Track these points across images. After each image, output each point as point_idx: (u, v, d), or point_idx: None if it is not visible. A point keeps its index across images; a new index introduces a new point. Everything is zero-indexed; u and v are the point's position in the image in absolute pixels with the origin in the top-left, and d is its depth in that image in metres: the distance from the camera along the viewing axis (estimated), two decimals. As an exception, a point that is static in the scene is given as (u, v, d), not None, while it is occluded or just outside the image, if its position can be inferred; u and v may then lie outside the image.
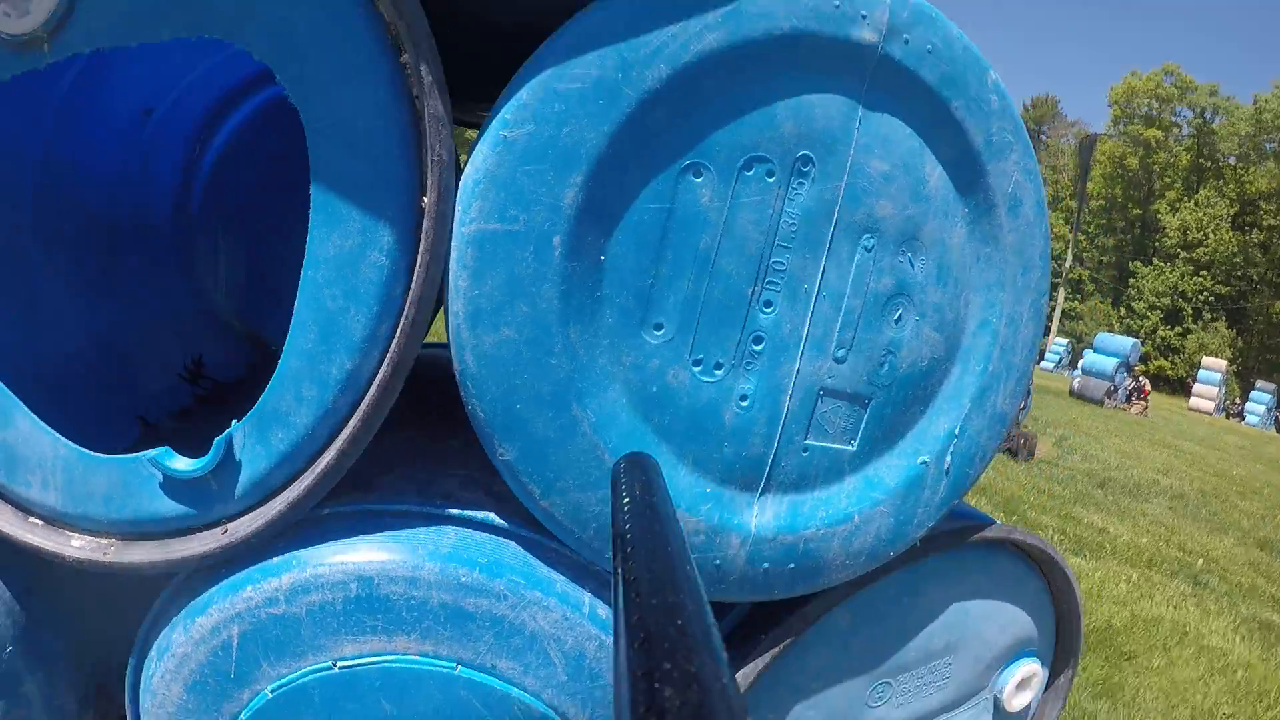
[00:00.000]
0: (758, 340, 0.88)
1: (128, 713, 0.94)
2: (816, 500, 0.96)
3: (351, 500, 0.86)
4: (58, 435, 0.86)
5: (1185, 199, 40.79)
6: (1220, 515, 6.05)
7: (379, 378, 0.79)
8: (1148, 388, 16.43)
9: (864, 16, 0.89)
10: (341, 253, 0.79)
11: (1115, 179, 43.37)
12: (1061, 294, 39.14)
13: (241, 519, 0.84)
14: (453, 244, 0.79)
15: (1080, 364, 17.81)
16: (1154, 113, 42.22)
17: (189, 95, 1.52)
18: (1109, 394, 15.40)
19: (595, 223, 0.80)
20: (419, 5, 0.78)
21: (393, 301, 0.80)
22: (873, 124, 0.91)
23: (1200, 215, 38.89)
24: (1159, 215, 40.91)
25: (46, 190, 1.21)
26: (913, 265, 0.95)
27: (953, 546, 1.09)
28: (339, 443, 0.80)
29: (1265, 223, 38.53)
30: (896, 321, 0.95)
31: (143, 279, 1.47)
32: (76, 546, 0.88)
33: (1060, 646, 1.32)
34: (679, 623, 0.27)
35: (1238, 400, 28.68)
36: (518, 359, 0.79)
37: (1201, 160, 41.66)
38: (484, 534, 0.86)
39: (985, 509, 4.58)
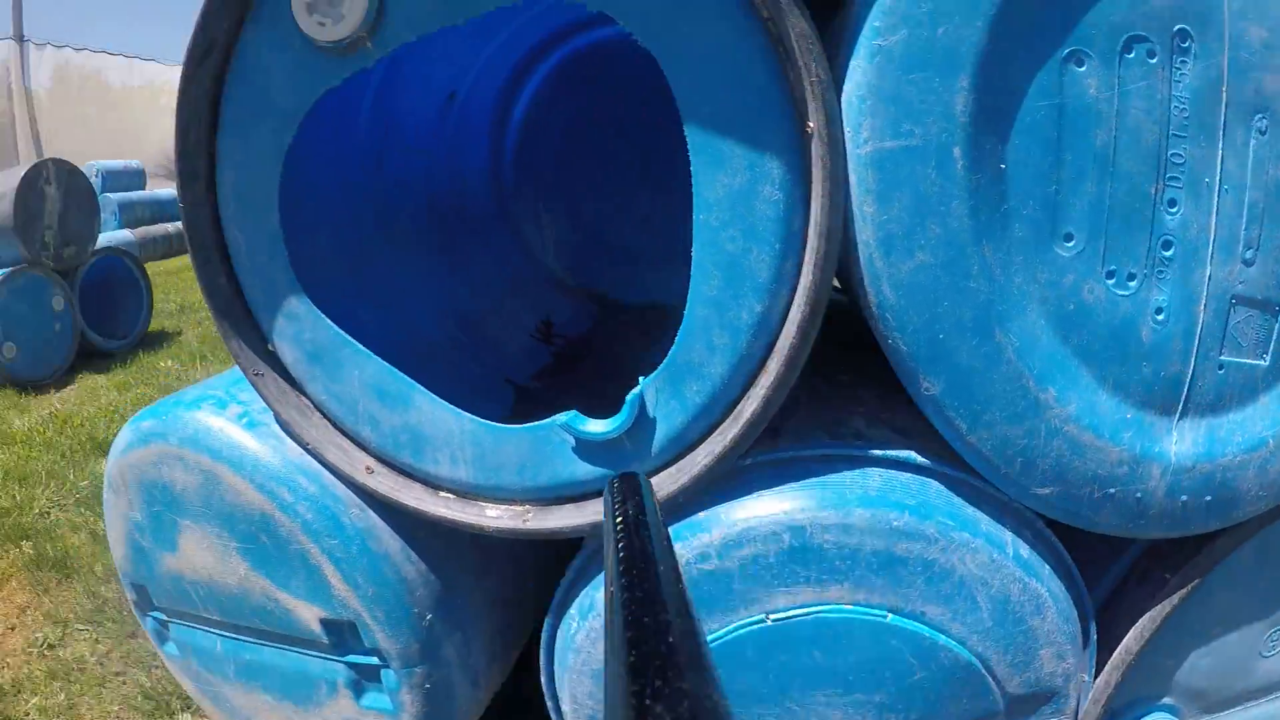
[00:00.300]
0: (1166, 245, 0.82)
1: (541, 669, 0.98)
2: (1232, 424, 0.88)
3: (768, 448, 0.86)
4: (462, 411, 0.92)
5: None
6: None
7: (798, 318, 0.79)
8: None
9: None
10: (731, 191, 0.80)
11: None
12: None
13: (662, 474, 0.86)
14: (850, 168, 0.78)
15: None
16: None
17: (485, 74, 1.62)
18: None
19: (991, 128, 0.78)
20: None
21: (793, 237, 0.81)
22: None
23: None
24: None
25: (376, 183, 1.33)
26: (1314, 150, 0.86)
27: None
28: (763, 390, 0.81)
29: None
30: (1306, 212, 0.86)
31: (478, 251, 1.60)
32: (493, 516, 0.93)
33: None
34: (670, 640, 0.27)
35: None
36: (936, 284, 0.77)
37: None
38: (908, 474, 0.84)
39: None
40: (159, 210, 9.33)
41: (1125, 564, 0.97)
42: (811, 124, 0.77)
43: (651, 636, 0.28)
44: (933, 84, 0.76)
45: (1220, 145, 0.83)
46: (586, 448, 0.88)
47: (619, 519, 0.42)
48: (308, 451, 1.00)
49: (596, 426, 0.86)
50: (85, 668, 1.80)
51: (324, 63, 0.88)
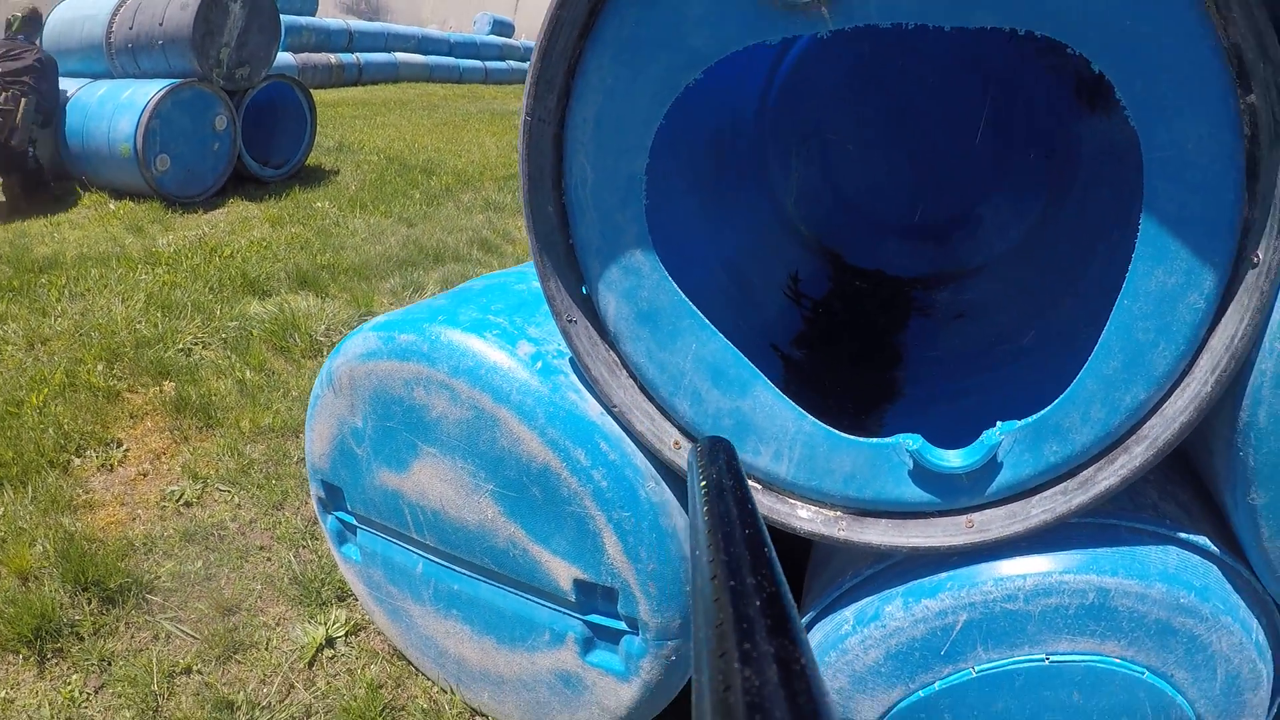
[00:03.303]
0: None
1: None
2: None
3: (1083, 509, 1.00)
4: (803, 411, 0.99)
5: None
6: None
7: (1181, 417, 0.92)
8: None
9: None
10: (1163, 289, 0.90)
11: None
12: None
13: (990, 514, 0.99)
14: (1277, 302, 0.89)
15: None
16: None
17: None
18: None
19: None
20: (1272, 29, 0.84)
21: (1197, 342, 0.92)
22: None
23: None
24: None
25: (676, 113, 1.27)
26: None
27: None
28: (1123, 470, 0.94)
29: None
30: None
31: (741, 193, 1.57)
32: (805, 517, 1.02)
33: None
34: (758, 604, 0.29)
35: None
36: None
37: None
38: (1198, 556, 1.02)
39: None
40: (325, 39, 10.14)
41: None
42: (1259, 255, 0.87)
43: (740, 600, 0.29)
44: None
45: None
46: (923, 474, 0.98)
47: (705, 484, 0.43)
48: (611, 414, 1.03)
49: (952, 460, 0.96)
50: (226, 535, 1.74)
51: (763, 13, 0.84)
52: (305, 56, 9.42)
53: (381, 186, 4.94)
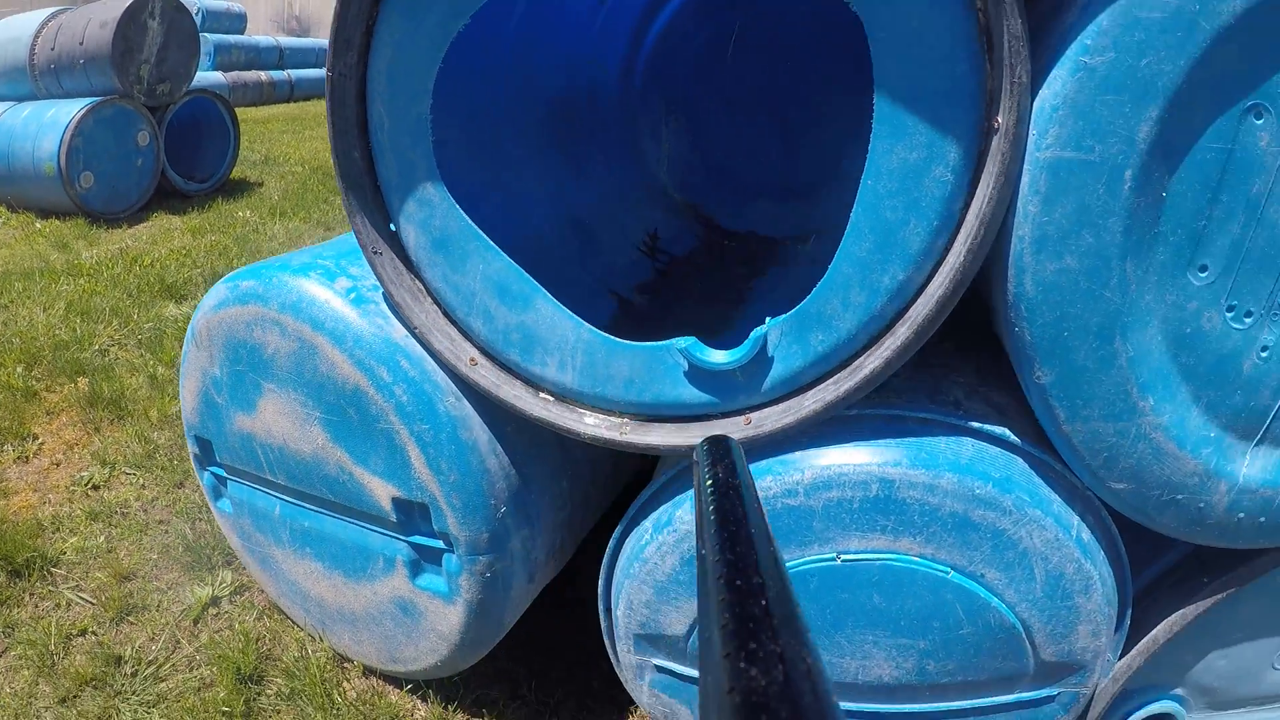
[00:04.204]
0: (1289, 291, 0.97)
1: (601, 573, 1.15)
2: (1296, 461, 1.05)
3: (873, 402, 1.01)
4: (580, 320, 1.05)
5: None
6: None
7: (939, 293, 0.93)
8: None
9: None
10: (905, 165, 0.92)
11: None
12: None
13: (766, 411, 1.01)
14: (1025, 167, 0.90)
15: None
16: None
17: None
18: None
19: (1163, 159, 0.90)
20: None
21: (951, 217, 0.93)
22: None
23: None
24: None
25: (516, 75, 1.40)
26: None
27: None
28: (888, 351, 0.95)
29: None
30: None
31: (598, 156, 1.68)
32: (591, 424, 1.07)
33: None
34: (763, 603, 0.29)
35: None
36: (1075, 288, 0.91)
37: None
38: (997, 448, 1.00)
39: None
40: (255, 57, 10.06)
41: (1168, 562, 1.18)
42: (1000, 120, 0.88)
43: (745, 600, 0.30)
44: (1123, 108, 0.88)
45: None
46: (699, 374, 1.02)
47: (710, 482, 0.45)
48: (414, 335, 1.12)
49: (717, 356, 1.00)
50: (128, 512, 1.94)
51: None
52: (236, 75, 9.27)
53: (303, 195, 5.11)
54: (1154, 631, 1.12)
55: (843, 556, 1.01)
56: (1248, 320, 0.98)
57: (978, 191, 0.93)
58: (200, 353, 1.29)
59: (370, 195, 1.13)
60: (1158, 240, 0.93)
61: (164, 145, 4.86)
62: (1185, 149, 0.91)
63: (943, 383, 1.10)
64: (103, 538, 1.82)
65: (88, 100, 4.44)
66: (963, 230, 0.94)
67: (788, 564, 1.02)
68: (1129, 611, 1.14)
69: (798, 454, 1.01)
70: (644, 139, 1.91)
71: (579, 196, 1.59)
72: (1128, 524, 1.09)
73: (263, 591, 1.60)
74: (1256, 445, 1.04)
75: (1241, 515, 1.06)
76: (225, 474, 1.36)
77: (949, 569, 1.01)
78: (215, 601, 1.61)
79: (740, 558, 0.34)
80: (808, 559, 1.02)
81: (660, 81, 1.89)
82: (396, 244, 1.15)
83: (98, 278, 3.49)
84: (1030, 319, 0.94)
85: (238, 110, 6.95)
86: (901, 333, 0.96)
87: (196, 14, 8.23)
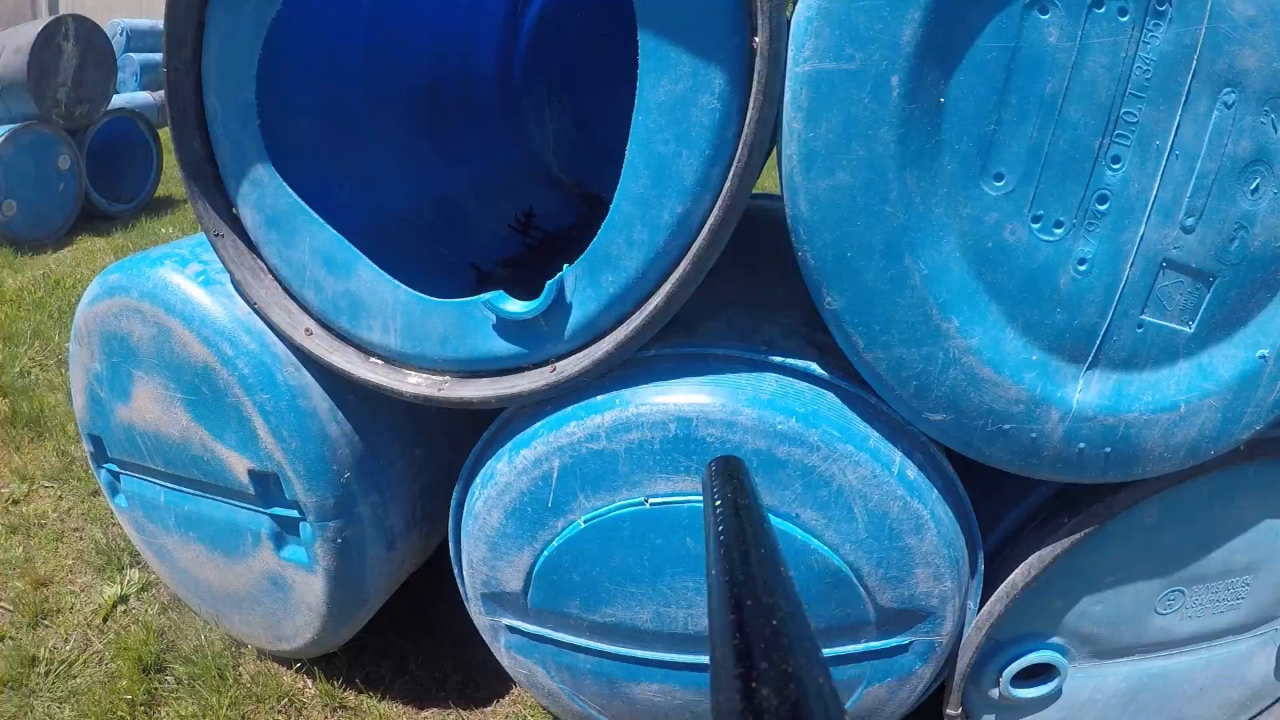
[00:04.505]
0: (1102, 199, 0.92)
1: (450, 535, 1.17)
2: (1144, 383, 0.99)
3: (677, 343, 1.00)
4: (397, 282, 1.08)
5: None
6: None
7: (710, 222, 0.92)
8: None
9: None
10: (672, 97, 0.92)
11: None
12: None
13: (570, 358, 1.02)
14: (786, 85, 0.88)
15: None
16: None
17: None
18: None
19: (936, 62, 0.87)
20: None
21: (725, 145, 0.92)
22: None
23: None
24: None
25: (373, 65, 1.47)
26: (1276, 128, 0.93)
27: (1278, 456, 1.07)
28: (668, 285, 0.94)
29: None
30: (1253, 192, 0.95)
31: (471, 140, 1.76)
32: (413, 383, 1.10)
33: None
34: (774, 623, 0.30)
35: None
36: (852, 205, 0.89)
37: None
38: (804, 383, 0.98)
39: None
40: None
41: (1032, 504, 1.11)
42: (758, 39, 0.87)
43: (756, 619, 0.30)
44: (883, 11, 0.85)
45: (1180, 111, 0.91)
46: (505, 326, 1.03)
47: (719, 502, 0.45)
48: (254, 310, 1.18)
49: (515, 306, 1.01)
50: (46, 523, 2.07)
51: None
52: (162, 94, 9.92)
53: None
54: (1012, 576, 1.06)
55: (650, 500, 1.00)
56: (1058, 231, 0.93)
57: (747, 116, 0.92)
58: (83, 350, 1.38)
59: (210, 182, 1.20)
60: (941, 149, 0.90)
61: (86, 167, 4.82)
62: (961, 50, 0.88)
63: (763, 323, 1.08)
64: (20, 549, 1.93)
65: (6, 127, 4.41)
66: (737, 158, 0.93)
67: (599, 510, 1.02)
68: (980, 555, 1.08)
69: (600, 397, 1.01)
70: (528, 122, 1.95)
71: (448, 178, 1.64)
72: (984, 468, 1.04)
73: (165, 585, 1.67)
74: (1090, 369, 0.98)
75: (1083, 445, 0.99)
76: (117, 469, 1.44)
77: (761, 509, 0.98)
78: (124, 599, 1.70)
79: (751, 578, 0.35)
80: (617, 504, 1.01)
81: (542, 65, 1.93)
82: (238, 226, 1.21)
83: (20, 304, 3.58)
84: (810, 241, 0.92)
85: (166, 129, 7.24)
86: (683, 265, 0.95)
87: (120, 34, 8.42)
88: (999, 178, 0.91)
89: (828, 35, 0.87)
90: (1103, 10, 0.88)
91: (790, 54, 0.89)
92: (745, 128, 0.91)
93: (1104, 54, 0.89)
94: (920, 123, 0.89)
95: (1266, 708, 1.36)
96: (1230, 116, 0.93)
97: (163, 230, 4.85)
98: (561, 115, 1.97)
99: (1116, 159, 0.92)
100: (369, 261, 1.10)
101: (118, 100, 5.40)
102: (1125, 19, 0.89)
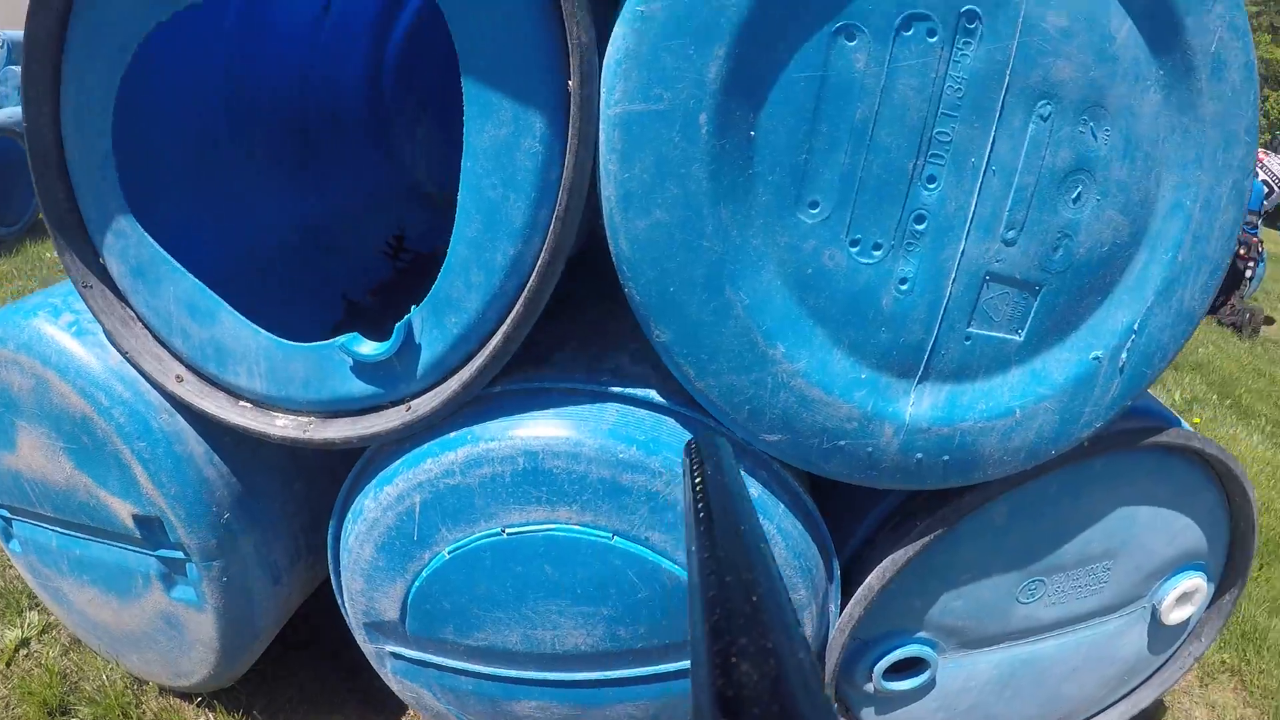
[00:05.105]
0: (919, 219, 0.96)
1: (330, 568, 1.22)
2: (977, 391, 1.04)
3: (524, 377, 1.04)
4: (258, 328, 1.11)
5: None
6: None
7: (539, 264, 0.95)
8: None
9: None
10: (497, 142, 0.95)
11: None
12: None
13: (423, 397, 1.06)
14: (601, 127, 0.91)
15: None
16: None
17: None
18: None
19: (743, 96, 0.90)
20: None
21: (549, 188, 0.95)
22: None
23: None
24: None
25: (236, 98, 1.47)
26: (1095, 136, 0.97)
27: (1122, 448, 1.13)
28: (505, 325, 0.98)
29: None
30: (1075, 201, 0.98)
31: (342, 166, 1.77)
32: (280, 425, 1.14)
33: (1231, 564, 1.35)
34: (754, 599, 0.30)
35: None
36: (670, 241, 0.92)
37: None
38: (645, 411, 1.03)
39: (1199, 387, 4.51)
40: None
41: (886, 509, 1.17)
42: (571, 83, 0.90)
43: (735, 596, 0.31)
44: (688, 52, 0.88)
45: (994, 127, 0.94)
46: (361, 367, 1.07)
47: (698, 480, 0.45)
48: (126, 359, 1.21)
49: (367, 349, 1.05)
50: None
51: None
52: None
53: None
54: (868, 580, 1.12)
55: (507, 530, 1.05)
56: (877, 254, 0.97)
57: (566, 159, 0.95)
58: (-36, 399, 1.41)
59: (76, 232, 1.22)
60: (755, 181, 0.93)
61: (-36, 193, 4.54)
62: (768, 82, 0.91)
63: (610, 352, 1.12)
64: (-91, 598, 1.96)
65: (-118, 157, 4.17)
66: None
67: (460, 542, 1.07)
68: (835, 562, 1.14)
69: (453, 434, 1.05)
70: (399, 141, 1.95)
71: (318, 205, 1.65)
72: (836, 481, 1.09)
73: (66, 627, 1.73)
74: (920, 382, 1.02)
75: (920, 456, 1.05)
76: (9, 514, 1.48)
77: (611, 534, 1.03)
78: (25, 643, 1.75)
79: (730, 554, 0.35)
80: (477, 535, 1.06)
81: (411, 83, 1.93)
82: (106, 275, 1.23)
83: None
84: (634, 278, 0.96)
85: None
86: (517, 307, 0.99)
87: (2, 47, 8.20)
88: (814, 205, 0.95)
89: (636, 77, 0.89)
90: (911, 33, 0.91)
91: (603, 97, 0.91)
92: (564, 171, 0.94)
93: (914, 76, 0.92)
94: (732, 157, 0.92)
95: (1144, 680, 1.44)
96: (1047, 129, 0.96)
97: (48, 254, 4.70)
98: (433, 130, 1.97)
99: (932, 178, 0.95)
100: (231, 309, 1.14)
101: (3, 115, 5.07)
102: (934, 40, 0.91)
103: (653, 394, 1.04)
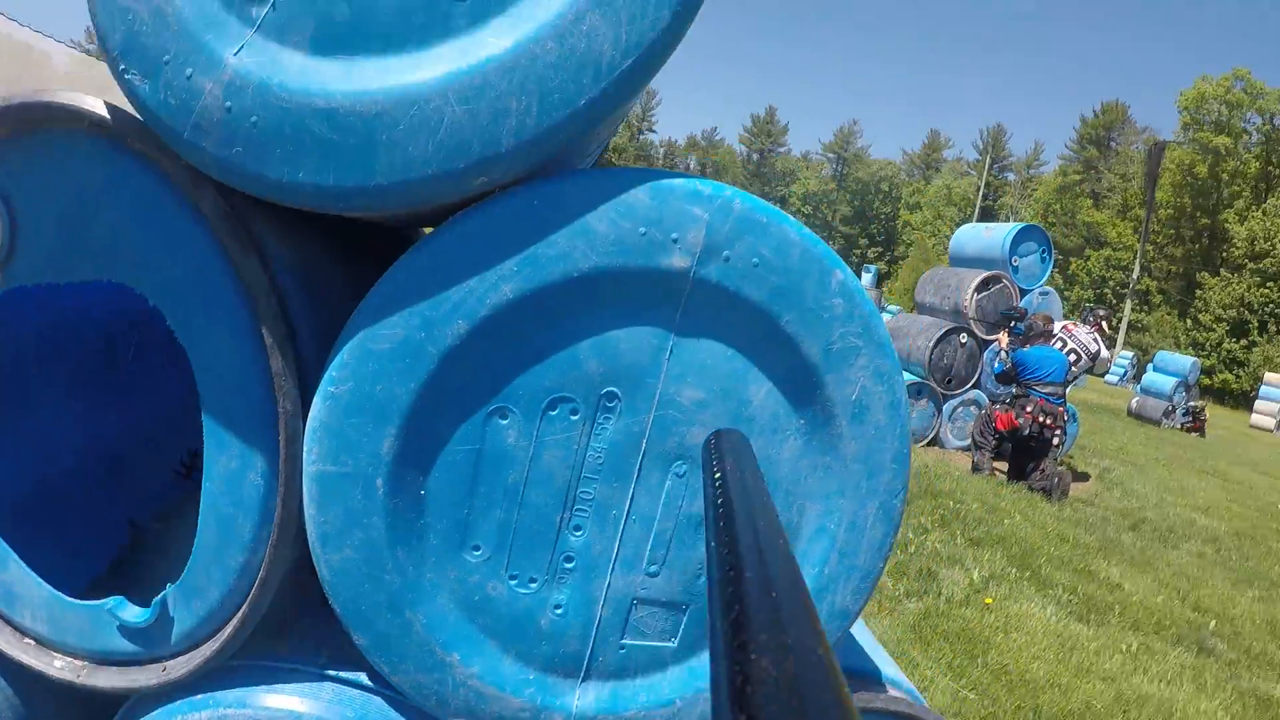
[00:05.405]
0: (569, 559, 1.16)
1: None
2: (638, 686, 1.24)
3: (260, 653, 1.25)
4: (40, 580, 1.32)
5: (1254, 208, 48.29)
6: (1252, 562, 6.37)
7: (260, 575, 1.16)
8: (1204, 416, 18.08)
9: (675, 241, 1.09)
10: (229, 471, 1.15)
11: (1184, 188, 51.39)
12: (1128, 305, 48.54)
13: (177, 660, 1.27)
14: (303, 479, 1.11)
15: (1139, 383, 20.96)
16: (1224, 119, 49.72)
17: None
18: (1167, 414, 17.53)
19: (413, 465, 1.11)
20: (266, 264, 1.08)
21: (270, 513, 1.16)
22: (686, 352, 1.12)
23: (1268, 224, 46.04)
24: (1227, 225, 48.65)
25: (46, 330, 1.66)
26: (732, 486, 1.16)
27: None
28: (241, 612, 1.18)
29: (1335, 230, 45.24)
30: (714, 537, 1.17)
31: (142, 383, 1.94)
32: (58, 667, 1.35)
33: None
34: (773, 595, 0.30)
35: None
36: (359, 574, 1.13)
37: (1270, 168, 49.50)
38: (357, 690, 1.23)
39: (998, 561, 4.63)
40: None
41: None
42: (280, 441, 1.11)
43: (755, 591, 0.30)
44: (366, 428, 1.08)
45: (633, 486, 1.14)
46: (126, 628, 1.28)
47: (718, 475, 0.45)
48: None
49: (129, 615, 1.26)
50: None
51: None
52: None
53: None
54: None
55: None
56: (533, 585, 1.17)
57: (277, 504, 1.16)
58: None
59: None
60: (426, 530, 1.14)
61: None
62: (434, 454, 1.12)
63: (332, 636, 1.33)
64: None
65: None
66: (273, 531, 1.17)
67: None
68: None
69: (200, 696, 1.26)
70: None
71: (116, 425, 1.82)
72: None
73: None
74: (584, 681, 1.22)
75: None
76: None
77: (321, 791, 1.24)
78: None
79: (750, 550, 0.35)
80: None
81: None
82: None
83: None
84: (334, 597, 1.16)
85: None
86: (244, 608, 1.20)
87: None
88: (477, 548, 1.15)
89: (327, 444, 1.10)
90: (556, 412, 1.11)
91: (305, 453, 1.12)
92: (276, 510, 1.15)
93: (558, 448, 1.12)
94: (406, 512, 1.12)
95: None
96: (683, 484, 1.16)
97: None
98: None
99: (578, 527, 1.15)
100: (17, 558, 1.35)
101: None
102: (576, 417, 1.12)
103: (363, 677, 1.25)
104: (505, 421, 1.11)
